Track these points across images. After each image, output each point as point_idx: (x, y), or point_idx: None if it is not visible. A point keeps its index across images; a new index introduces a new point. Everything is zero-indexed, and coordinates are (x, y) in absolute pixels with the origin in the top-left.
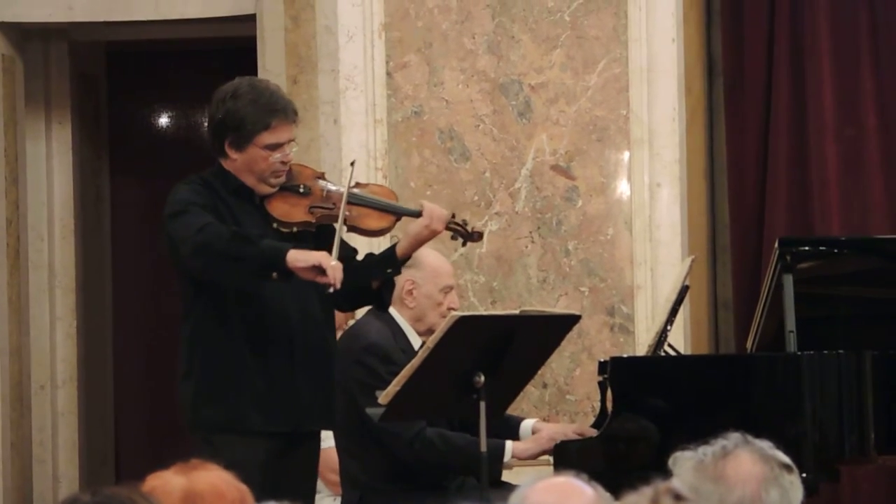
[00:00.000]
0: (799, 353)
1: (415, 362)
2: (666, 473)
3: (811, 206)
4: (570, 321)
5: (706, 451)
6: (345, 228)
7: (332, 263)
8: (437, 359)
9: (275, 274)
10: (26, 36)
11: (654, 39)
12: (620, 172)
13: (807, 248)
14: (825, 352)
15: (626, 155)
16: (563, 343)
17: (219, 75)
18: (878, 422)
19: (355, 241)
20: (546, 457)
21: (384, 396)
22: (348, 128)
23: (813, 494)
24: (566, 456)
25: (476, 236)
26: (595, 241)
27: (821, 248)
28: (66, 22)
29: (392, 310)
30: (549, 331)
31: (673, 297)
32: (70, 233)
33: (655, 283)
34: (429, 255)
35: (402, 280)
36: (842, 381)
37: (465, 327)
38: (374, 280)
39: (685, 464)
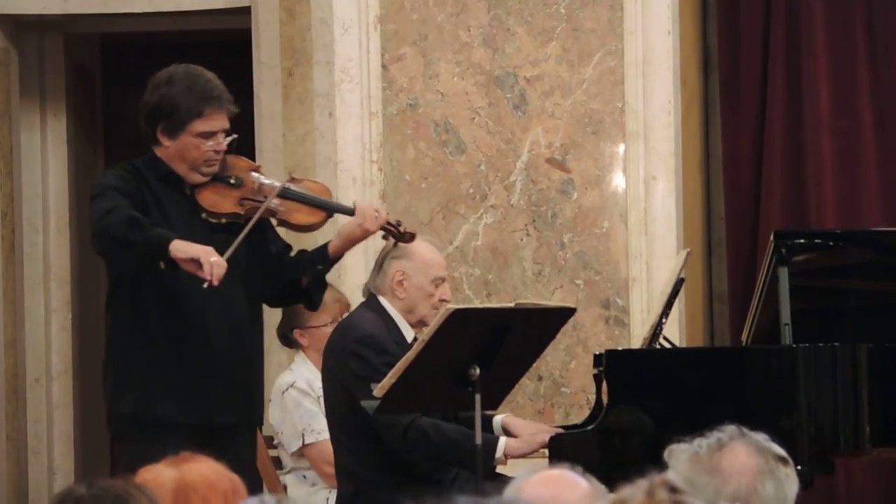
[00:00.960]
0: (794, 345)
1: (410, 355)
2: (661, 466)
3: (806, 200)
4: (565, 314)
5: (701, 443)
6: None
7: (211, 259)
8: (432, 351)
9: (162, 263)
10: (21, 28)
11: (650, 32)
12: (616, 165)
13: (802, 240)
14: (820, 344)
15: (621, 148)
16: (559, 336)
17: (214, 68)
18: (873, 414)
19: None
20: (541, 450)
21: (379, 389)
22: (343, 120)
23: (808, 487)
24: (561, 448)
25: (408, 237)
26: (590, 233)
27: (816, 240)
28: (61, 14)
29: (384, 301)
30: (545, 323)
31: (668, 289)
32: (65, 225)
33: (651, 275)
34: (420, 246)
35: (392, 270)
36: (837, 373)
37: (460, 320)
38: (303, 276)
39: (680, 456)
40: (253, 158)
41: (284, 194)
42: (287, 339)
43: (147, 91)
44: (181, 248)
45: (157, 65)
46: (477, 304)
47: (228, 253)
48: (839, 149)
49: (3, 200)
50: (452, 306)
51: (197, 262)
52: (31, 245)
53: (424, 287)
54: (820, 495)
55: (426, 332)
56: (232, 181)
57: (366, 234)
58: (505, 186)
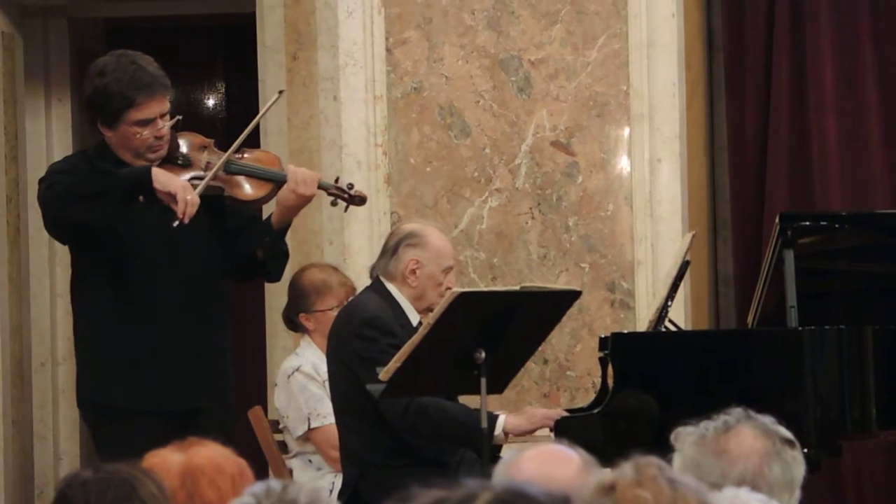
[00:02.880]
0: (800, 328)
1: (415, 338)
2: (666, 449)
3: (812, 182)
4: (570, 297)
5: (708, 426)
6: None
7: (188, 197)
8: (437, 335)
9: (141, 197)
10: (25, 13)
11: (654, 14)
12: (620, 148)
13: (807, 223)
14: (826, 327)
15: (626, 130)
16: (564, 319)
17: (218, 52)
18: (880, 397)
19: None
20: (546, 432)
21: (385, 373)
22: (348, 104)
23: (815, 470)
24: (567, 432)
25: (358, 200)
26: (595, 216)
27: (821, 223)
28: None
29: (391, 287)
30: (550, 307)
31: (673, 272)
32: None
33: (656, 258)
34: (434, 235)
35: (407, 259)
36: (843, 356)
37: (466, 303)
38: (256, 249)
39: (687, 439)
40: (258, 142)
41: (229, 169)
42: (293, 324)
43: (84, 82)
44: (161, 180)
45: (161, 49)
46: (482, 288)
47: (198, 191)
48: (844, 130)
49: (8, 185)
50: (458, 290)
51: (173, 197)
52: (37, 230)
53: (435, 276)
54: (826, 478)
55: (432, 316)
56: (179, 161)
57: (301, 199)
58: (510, 170)
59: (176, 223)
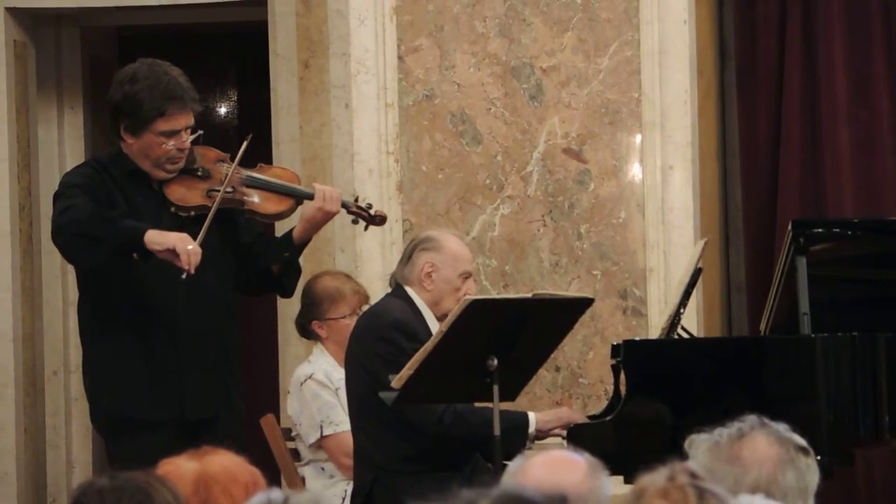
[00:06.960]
0: (813, 335)
1: (428, 346)
2: (679, 456)
3: (824, 189)
4: (582, 304)
5: (722, 433)
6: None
7: (188, 248)
8: (450, 342)
9: (135, 255)
10: (38, 21)
11: (666, 21)
12: (632, 155)
13: (820, 230)
14: (839, 334)
15: (637, 137)
16: (576, 326)
17: (231, 60)
18: (893, 404)
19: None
20: (560, 440)
21: (397, 381)
22: (360, 112)
23: (827, 477)
24: (580, 439)
25: (378, 220)
26: (607, 224)
27: (834, 230)
28: (78, 7)
29: (411, 291)
30: (562, 314)
31: (686, 279)
32: None
33: (668, 265)
34: (450, 239)
35: (422, 262)
36: (856, 363)
37: (479, 311)
38: (272, 264)
39: (701, 445)
40: (269, 151)
41: (249, 183)
42: (305, 331)
43: (112, 87)
44: (156, 241)
45: (174, 57)
46: (494, 295)
47: (199, 239)
48: (856, 137)
49: (20, 194)
50: (470, 297)
51: (174, 252)
52: (49, 238)
53: (452, 281)
54: (839, 486)
55: (444, 323)
56: (199, 173)
57: (327, 216)
58: (521, 177)
59: (184, 276)
